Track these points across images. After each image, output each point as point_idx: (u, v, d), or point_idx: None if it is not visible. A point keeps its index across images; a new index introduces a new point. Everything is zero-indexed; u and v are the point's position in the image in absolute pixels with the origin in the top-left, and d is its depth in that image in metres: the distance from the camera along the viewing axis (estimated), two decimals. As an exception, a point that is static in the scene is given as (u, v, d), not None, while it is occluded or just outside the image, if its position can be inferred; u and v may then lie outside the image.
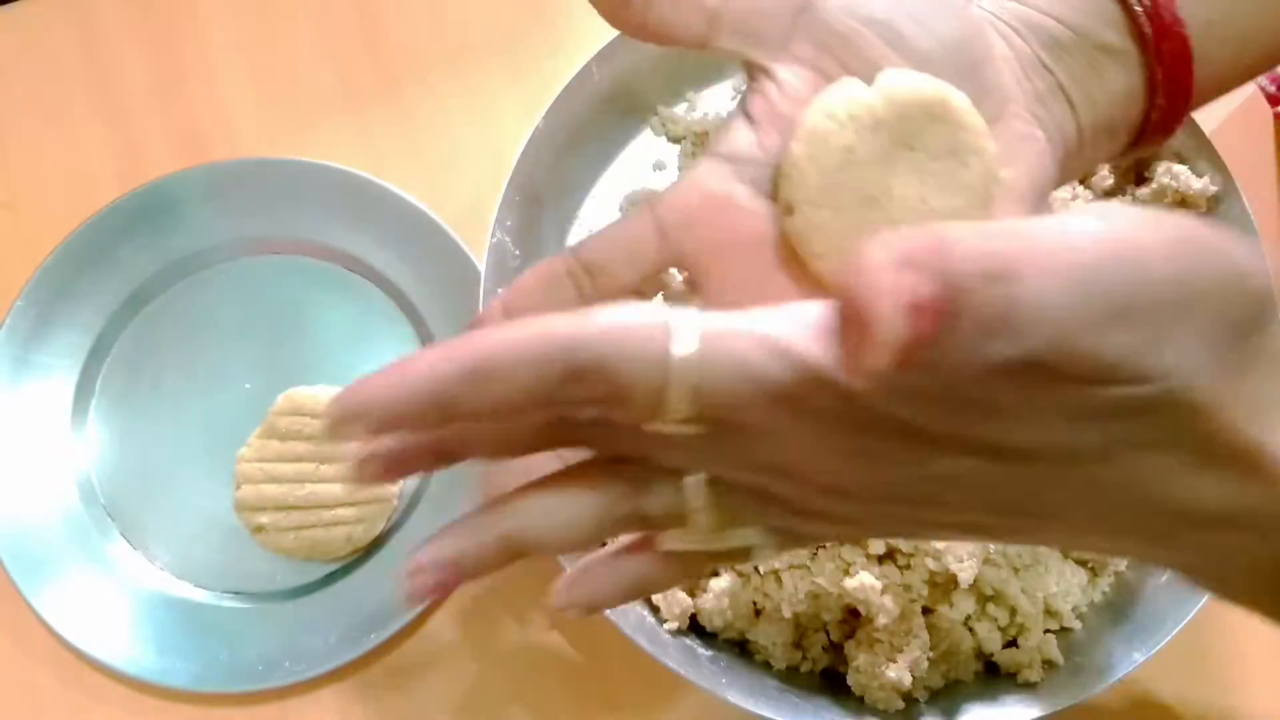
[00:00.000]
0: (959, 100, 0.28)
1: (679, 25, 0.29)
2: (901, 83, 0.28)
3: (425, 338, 0.48)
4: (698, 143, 0.50)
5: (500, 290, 0.32)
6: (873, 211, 0.28)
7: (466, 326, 0.29)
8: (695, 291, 0.30)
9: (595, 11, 0.56)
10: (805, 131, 0.28)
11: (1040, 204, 0.31)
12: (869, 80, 0.28)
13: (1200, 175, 0.44)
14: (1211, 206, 0.45)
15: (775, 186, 0.29)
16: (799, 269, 0.29)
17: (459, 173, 0.51)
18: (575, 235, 0.49)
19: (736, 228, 0.29)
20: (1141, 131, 0.33)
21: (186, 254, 0.49)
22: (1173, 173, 0.45)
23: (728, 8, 0.29)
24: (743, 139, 0.29)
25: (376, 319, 0.49)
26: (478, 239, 0.45)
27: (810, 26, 0.29)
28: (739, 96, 0.30)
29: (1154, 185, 0.46)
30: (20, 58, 0.53)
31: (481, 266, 0.43)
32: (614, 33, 0.45)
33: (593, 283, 0.29)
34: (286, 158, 0.50)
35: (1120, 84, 0.31)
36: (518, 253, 0.45)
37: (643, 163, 0.50)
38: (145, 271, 0.49)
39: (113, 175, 0.51)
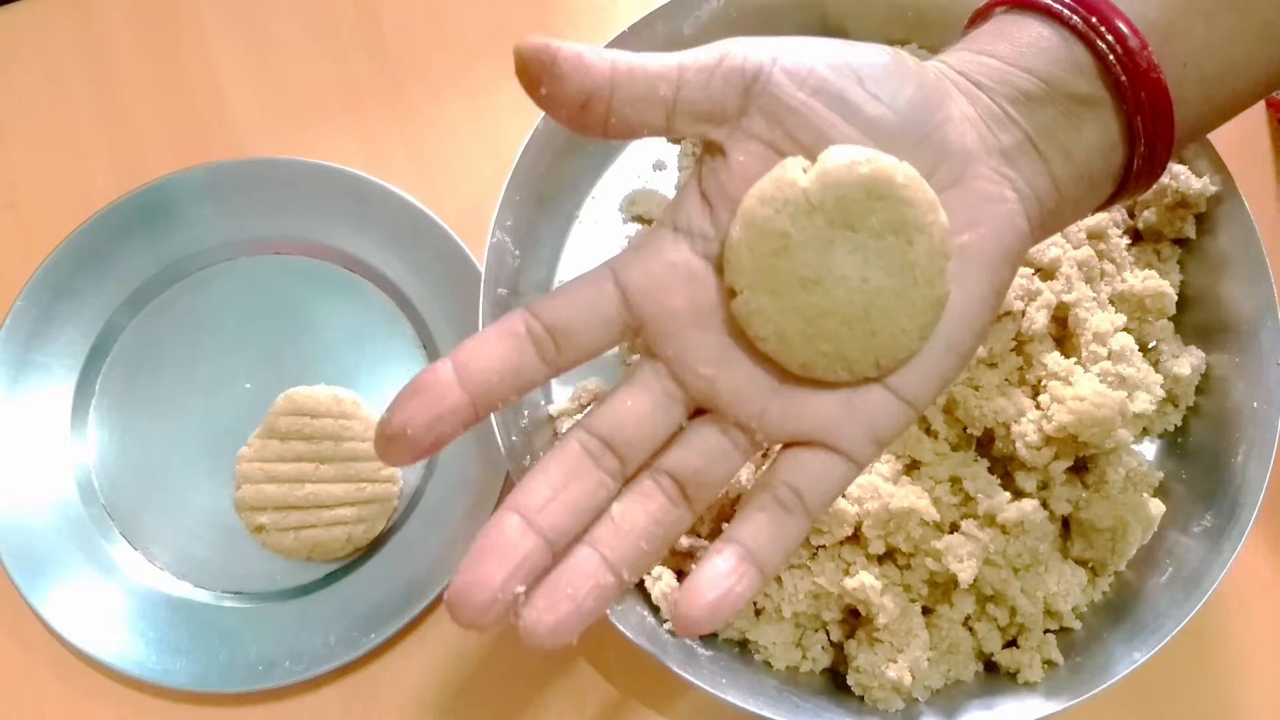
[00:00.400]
0: (903, 175, 0.28)
1: (639, 123, 0.28)
2: (840, 162, 0.27)
3: (425, 338, 0.48)
4: (698, 143, 0.50)
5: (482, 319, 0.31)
6: (813, 294, 0.28)
7: (409, 388, 0.28)
8: (651, 358, 0.29)
9: (594, 11, 0.56)
10: (742, 217, 0.28)
11: (1008, 265, 0.30)
12: (820, 151, 0.28)
13: (1200, 175, 0.44)
14: (1211, 206, 0.45)
15: (720, 268, 0.29)
16: (749, 343, 0.29)
17: (459, 173, 0.51)
18: (575, 235, 0.49)
19: (694, 298, 0.29)
20: (1124, 180, 0.32)
21: (187, 254, 0.49)
22: (1172, 172, 0.45)
23: (681, 97, 0.28)
24: (696, 215, 0.29)
25: (376, 319, 0.49)
26: (478, 239, 0.45)
27: (761, 101, 0.28)
28: (694, 168, 0.30)
29: (1154, 185, 0.45)
30: (20, 58, 0.53)
31: (481, 266, 0.43)
32: (614, 32, 0.46)
33: (557, 347, 0.28)
34: (286, 158, 0.50)
35: (1097, 134, 0.31)
36: (518, 253, 0.45)
37: (643, 163, 0.50)
38: (146, 271, 0.49)
39: (113, 175, 0.51)
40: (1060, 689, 0.40)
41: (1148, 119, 0.31)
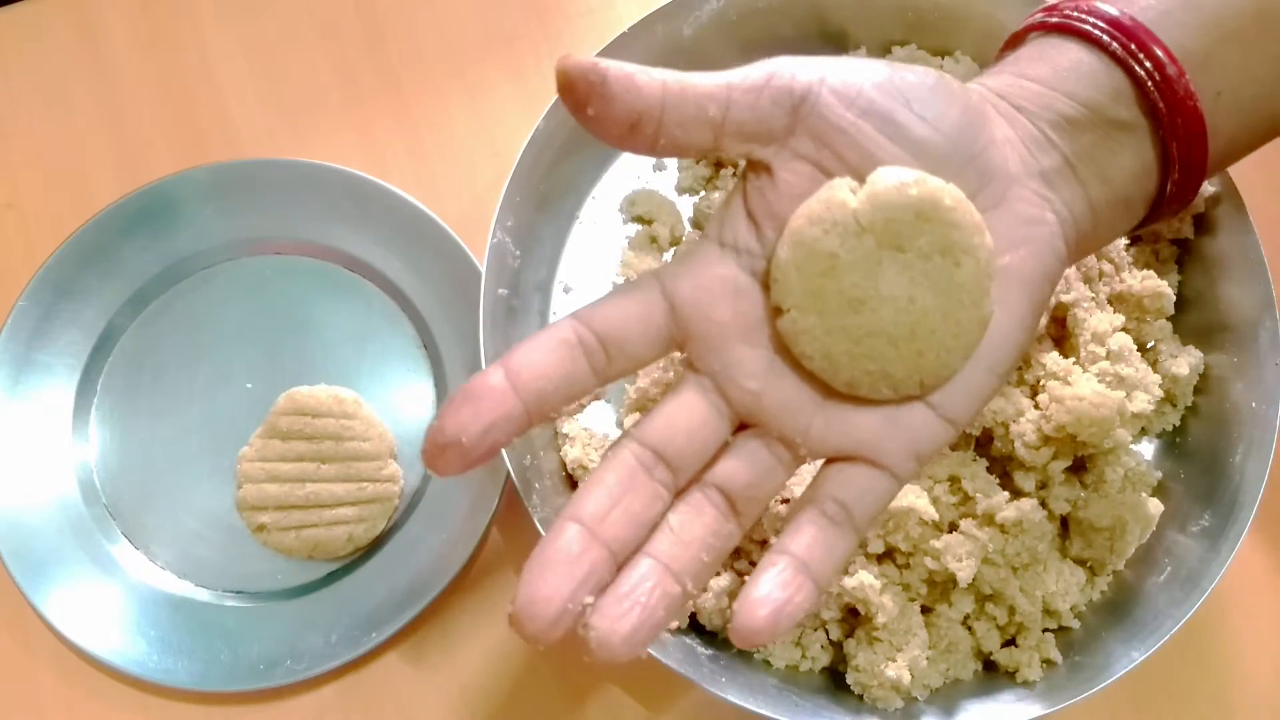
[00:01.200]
0: (950, 198, 0.28)
1: (687, 143, 0.28)
2: (889, 184, 0.27)
3: (425, 338, 0.49)
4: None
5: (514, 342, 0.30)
6: (860, 315, 0.28)
7: (459, 396, 0.27)
8: (696, 371, 0.29)
9: (593, 12, 0.56)
10: (790, 237, 0.28)
11: (1047, 286, 0.30)
12: (868, 172, 0.28)
13: (1199, 175, 0.44)
14: (1210, 207, 0.45)
15: (766, 284, 0.29)
16: (794, 359, 0.29)
17: (459, 173, 0.51)
18: (576, 235, 0.49)
19: (740, 313, 0.29)
20: (1157, 204, 0.32)
21: (188, 254, 0.49)
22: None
23: (730, 117, 0.28)
24: (743, 232, 0.29)
25: (377, 319, 0.49)
26: (478, 239, 0.45)
27: (809, 121, 0.28)
28: (738, 184, 0.30)
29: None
30: (20, 58, 0.53)
31: (482, 267, 0.43)
32: (614, 32, 0.46)
33: (606, 356, 0.28)
34: (287, 158, 0.50)
35: (1133, 159, 0.31)
36: (518, 253, 0.45)
37: (643, 163, 0.50)
38: (147, 271, 0.49)
39: (113, 175, 0.51)
40: (1059, 688, 0.40)
41: (1183, 145, 0.31)
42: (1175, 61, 0.30)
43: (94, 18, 0.54)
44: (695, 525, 0.28)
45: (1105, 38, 0.31)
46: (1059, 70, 0.31)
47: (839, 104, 0.28)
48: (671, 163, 0.50)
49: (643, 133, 0.28)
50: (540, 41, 0.54)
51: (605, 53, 0.46)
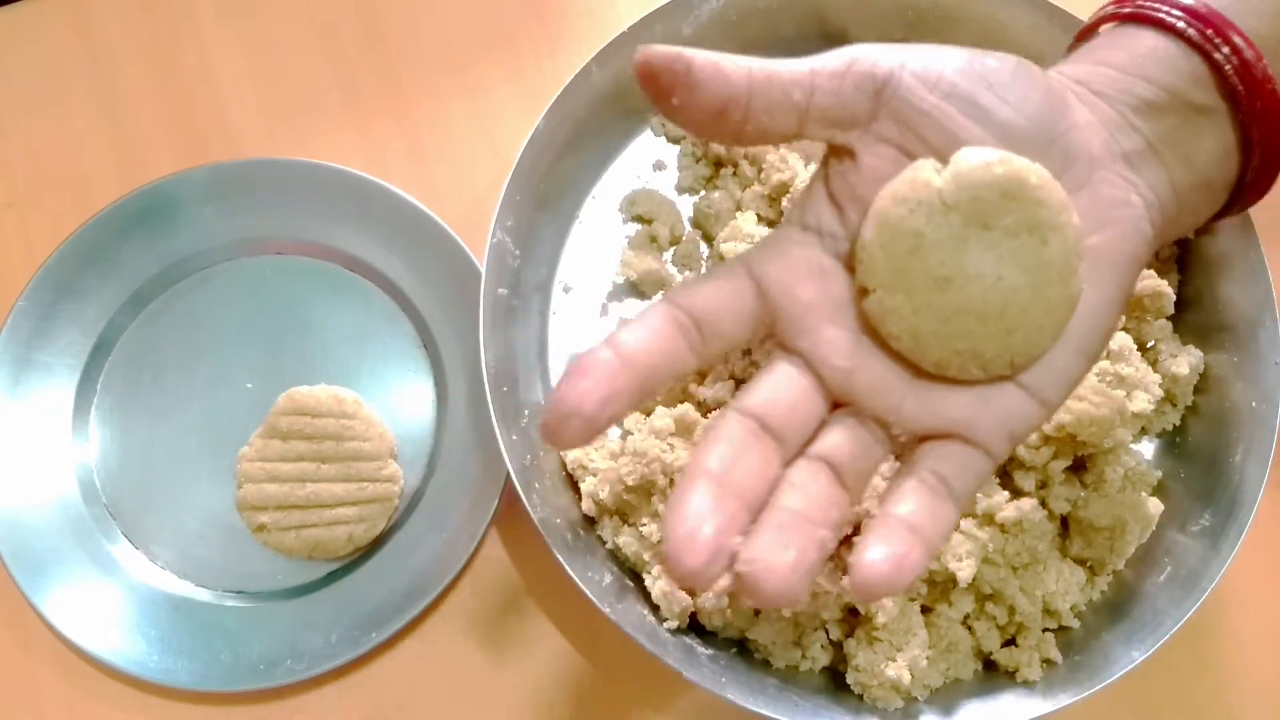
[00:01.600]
0: (1036, 176, 0.28)
1: (772, 129, 0.28)
2: (974, 163, 0.28)
3: (425, 338, 0.49)
4: (698, 143, 0.50)
5: (611, 335, 0.29)
6: (947, 293, 0.28)
7: (573, 371, 0.27)
8: (786, 352, 0.29)
9: (593, 12, 0.56)
10: (875, 217, 0.28)
11: (1134, 269, 0.30)
12: (951, 154, 0.28)
13: (1199, 175, 0.44)
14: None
15: (851, 266, 0.29)
16: (881, 340, 0.29)
17: (459, 173, 0.51)
18: (576, 235, 0.49)
19: (827, 293, 0.29)
20: (1237, 190, 0.33)
21: (188, 254, 0.49)
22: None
23: (814, 102, 0.28)
24: (826, 216, 0.29)
25: (377, 319, 0.49)
26: (478, 239, 0.45)
27: (892, 104, 0.28)
28: (819, 170, 0.30)
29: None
30: (20, 58, 0.53)
31: (482, 266, 0.43)
32: (614, 32, 0.46)
33: (702, 336, 0.29)
34: (287, 158, 0.50)
35: (1215, 143, 0.31)
36: (518, 253, 0.45)
37: (643, 163, 0.50)
38: (147, 271, 0.49)
39: (113, 175, 0.51)
40: (1059, 688, 0.40)
41: (1263, 129, 0.31)
42: (1253, 46, 0.31)
43: (94, 18, 0.54)
44: (814, 485, 0.28)
45: (1181, 24, 0.31)
46: (1136, 56, 0.31)
47: (921, 87, 0.28)
48: (671, 162, 0.50)
49: (729, 119, 0.28)
50: (540, 41, 0.54)
51: (604, 51, 0.46)
